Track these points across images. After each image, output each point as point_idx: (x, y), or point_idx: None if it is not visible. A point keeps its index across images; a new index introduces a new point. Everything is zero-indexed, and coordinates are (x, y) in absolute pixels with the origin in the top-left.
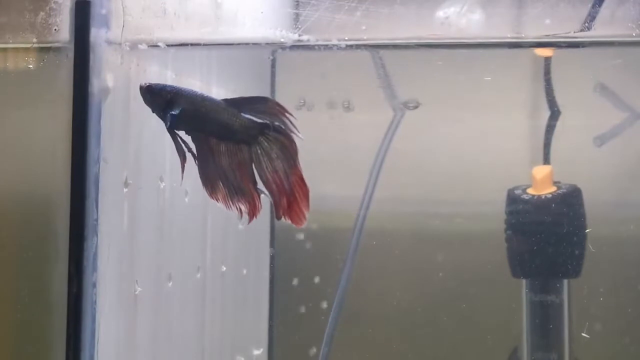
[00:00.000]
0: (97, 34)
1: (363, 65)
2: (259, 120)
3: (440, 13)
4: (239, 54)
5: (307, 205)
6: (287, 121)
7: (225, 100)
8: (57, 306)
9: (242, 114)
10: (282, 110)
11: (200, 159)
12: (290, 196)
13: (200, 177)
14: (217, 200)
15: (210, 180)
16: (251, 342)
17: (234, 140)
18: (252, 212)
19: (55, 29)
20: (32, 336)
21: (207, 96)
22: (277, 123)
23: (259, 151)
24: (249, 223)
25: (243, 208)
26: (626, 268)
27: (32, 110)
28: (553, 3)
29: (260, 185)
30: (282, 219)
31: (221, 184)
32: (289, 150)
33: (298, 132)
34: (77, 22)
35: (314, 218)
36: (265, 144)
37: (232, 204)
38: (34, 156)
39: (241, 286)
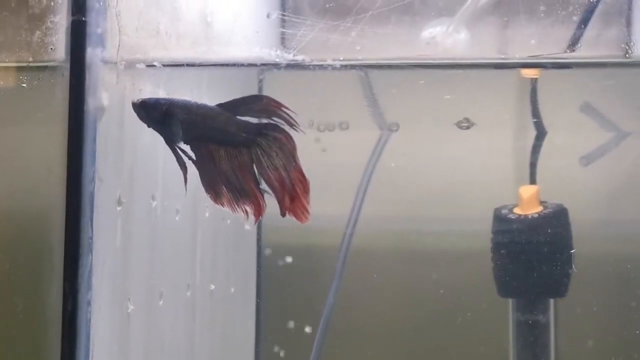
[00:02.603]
0: (92, 53)
1: (350, 85)
2: (255, 122)
3: (426, 33)
4: (229, 73)
5: (308, 200)
6: (285, 116)
7: (220, 104)
8: (52, 324)
9: (239, 115)
10: (278, 105)
11: (200, 166)
12: (292, 192)
13: (203, 184)
14: (222, 205)
15: (213, 186)
16: (238, 359)
17: (233, 144)
18: (258, 212)
19: (51, 48)
20: (27, 354)
21: (201, 104)
22: (273, 119)
23: (259, 152)
24: (255, 223)
25: (249, 209)
26: (612, 287)
27: (27, 128)
28: (538, 24)
29: (263, 184)
30: (286, 216)
31: (224, 189)
32: (287, 147)
33: (298, 125)
34: (73, 41)
35: (301, 236)
36: (264, 143)
37: (238, 206)
38: (30, 174)
39: (229, 304)
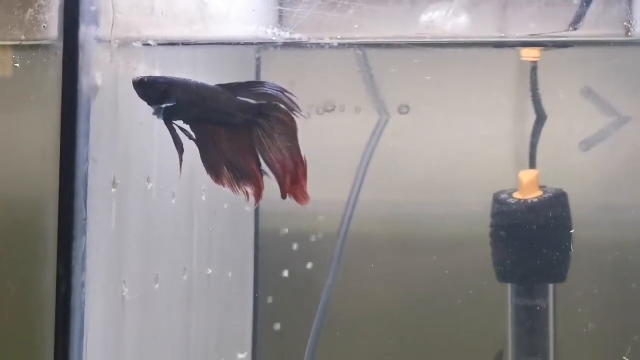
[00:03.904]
0: (86, 32)
1: (349, 66)
2: (257, 102)
3: (425, 17)
4: (226, 52)
5: (306, 183)
6: (287, 101)
7: (222, 85)
8: (46, 306)
9: (240, 97)
10: (281, 90)
11: (201, 146)
12: (294, 175)
13: (204, 164)
14: (222, 185)
15: (213, 166)
16: (236, 345)
17: (234, 125)
18: (258, 194)
19: (44, 26)
20: (21, 336)
21: (202, 83)
22: (274, 103)
23: (260, 133)
24: (255, 205)
25: (249, 191)
26: (612, 272)
27: (20, 108)
28: (538, 7)
29: (264, 166)
30: (287, 198)
31: (225, 169)
32: (289, 128)
33: (300, 110)
34: (67, 20)
35: (299, 221)
36: (266, 124)
37: (239, 187)
38: (22, 155)
39: (226, 289)
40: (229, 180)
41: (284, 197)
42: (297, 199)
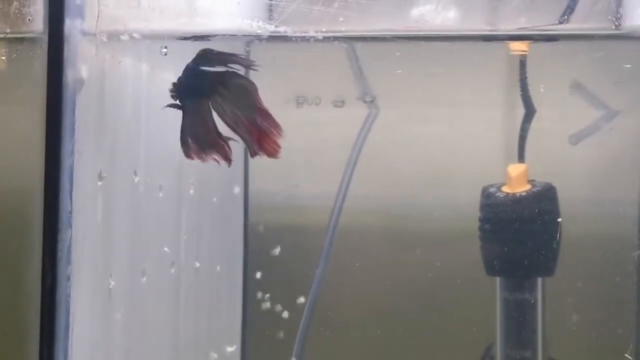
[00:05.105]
0: (71, 25)
1: (337, 59)
2: (212, 70)
3: (415, 12)
4: (213, 45)
5: (279, 133)
6: (239, 60)
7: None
8: (31, 299)
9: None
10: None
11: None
12: (260, 131)
13: (180, 138)
14: (192, 158)
15: (184, 140)
16: (224, 339)
17: (193, 95)
18: (226, 158)
19: (29, 19)
20: (6, 329)
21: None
22: (231, 68)
23: (219, 100)
24: (229, 166)
25: (217, 157)
26: (600, 266)
27: (5, 101)
28: (528, 3)
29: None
30: (257, 156)
31: (191, 142)
32: (248, 90)
33: (253, 63)
34: (52, 12)
35: (287, 215)
36: (225, 91)
37: (206, 156)
38: (7, 148)
39: (215, 283)
40: (196, 152)
41: (252, 156)
42: (267, 153)
